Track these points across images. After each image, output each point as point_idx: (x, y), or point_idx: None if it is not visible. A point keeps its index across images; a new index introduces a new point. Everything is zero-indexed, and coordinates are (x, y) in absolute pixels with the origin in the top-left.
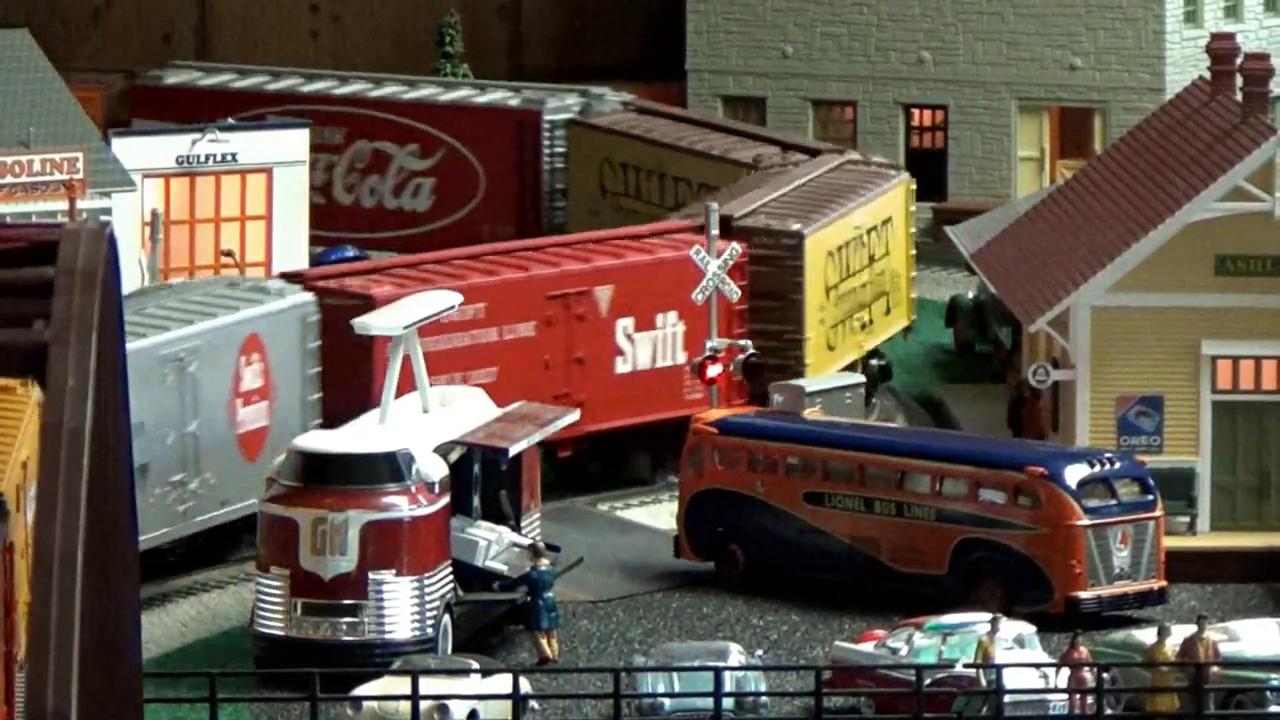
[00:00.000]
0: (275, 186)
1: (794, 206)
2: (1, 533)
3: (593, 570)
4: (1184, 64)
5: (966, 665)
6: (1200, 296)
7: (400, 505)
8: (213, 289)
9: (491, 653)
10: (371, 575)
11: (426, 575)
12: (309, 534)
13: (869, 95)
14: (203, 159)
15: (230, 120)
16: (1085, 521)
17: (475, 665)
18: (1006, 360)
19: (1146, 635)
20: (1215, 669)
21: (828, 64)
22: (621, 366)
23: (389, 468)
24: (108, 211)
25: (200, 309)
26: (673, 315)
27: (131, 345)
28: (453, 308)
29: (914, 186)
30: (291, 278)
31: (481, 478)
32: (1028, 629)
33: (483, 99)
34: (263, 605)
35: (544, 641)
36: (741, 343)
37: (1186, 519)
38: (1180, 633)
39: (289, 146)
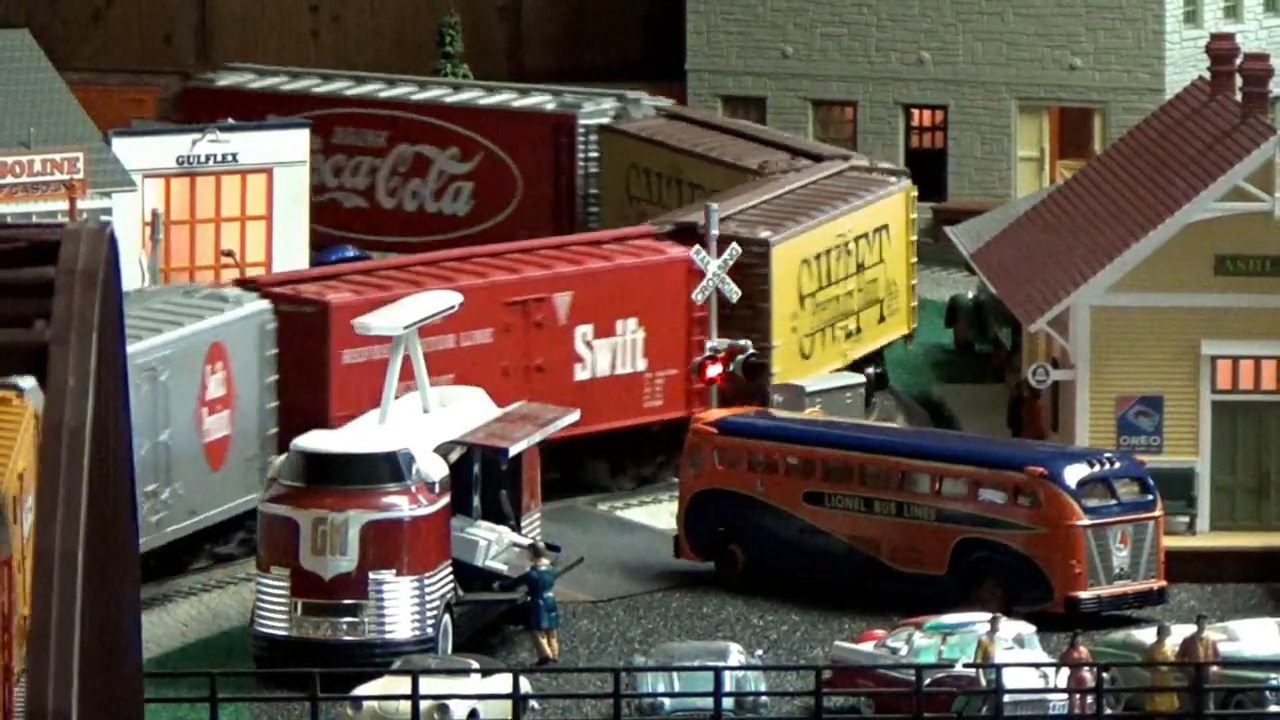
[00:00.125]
0: (275, 187)
1: (772, 214)
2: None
3: (593, 570)
4: (1183, 64)
5: (966, 665)
6: (1200, 296)
7: (400, 505)
8: (171, 297)
9: (491, 652)
10: (372, 575)
11: (427, 575)
12: (309, 534)
13: (869, 95)
14: (203, 159)
15: (230, 120)
16: (1085, 521)
17: (475, 665)
18: (1006, 360)
19: (1146, 635)
20: (1215, 669)
21: (828, 64)
22: (580, 373)
23: (389, 468)
24: (108, 211)
25: (167, 318)
26: (632, 322)
27: None
28: (453, 307)
29: (915, 194)
30: (247, 285)
31: (481, 478)
32: (1027, 629)
33: (521, 103)
34: (263, 605)
35: (544, 641)
36: (741, 343)
37: (1186, 519)
38: (1180, 632)
39: (289, 147)
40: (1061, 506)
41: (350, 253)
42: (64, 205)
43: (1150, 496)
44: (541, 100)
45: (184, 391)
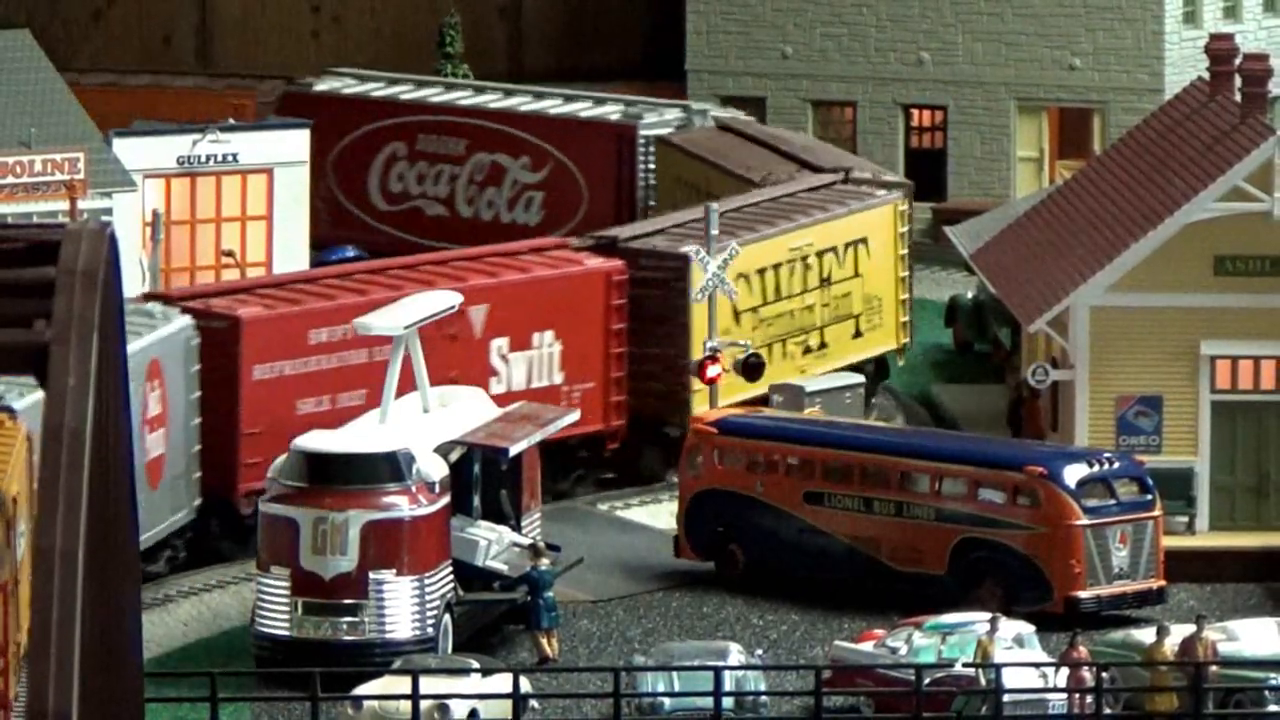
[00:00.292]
0: (276, 187)
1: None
2: None
3: (593, 570)
4: (1183, 64)
5: (966, 665)
6: (1199, 296)
7: (401, 505)
8: None
9: (492, 652)
10: (372, 575)
11: (427, 575)
12: (310, 534)
13: (869, 96)
14: (203, 159)
15: (230, 120)
16: (1084, 521)
17: (475, 665)
18: (1006, 360)
19: (1145, 635)
20: (1214, 668)
21: (827, 65)
22: (496, 387)
23: (389, 467)
24: (109, 212)
25: None
26: (549, 335)
27: None
28: (452, 307)
29: (904, 208)
30: (164, 299)
31: (482, 477)
32: (1027, 628)
33: (589, 112)
34: (263, 605)
35: (544, 641)
36: (741, 342)
37: (1185, 519)
38: (1179, 632)
39: (290, 147)
40: (1061, 506)
41: (350, 253)
42: (65, 205)
43: (1150, 496)
44: (609, 110)
45: (132, 410)
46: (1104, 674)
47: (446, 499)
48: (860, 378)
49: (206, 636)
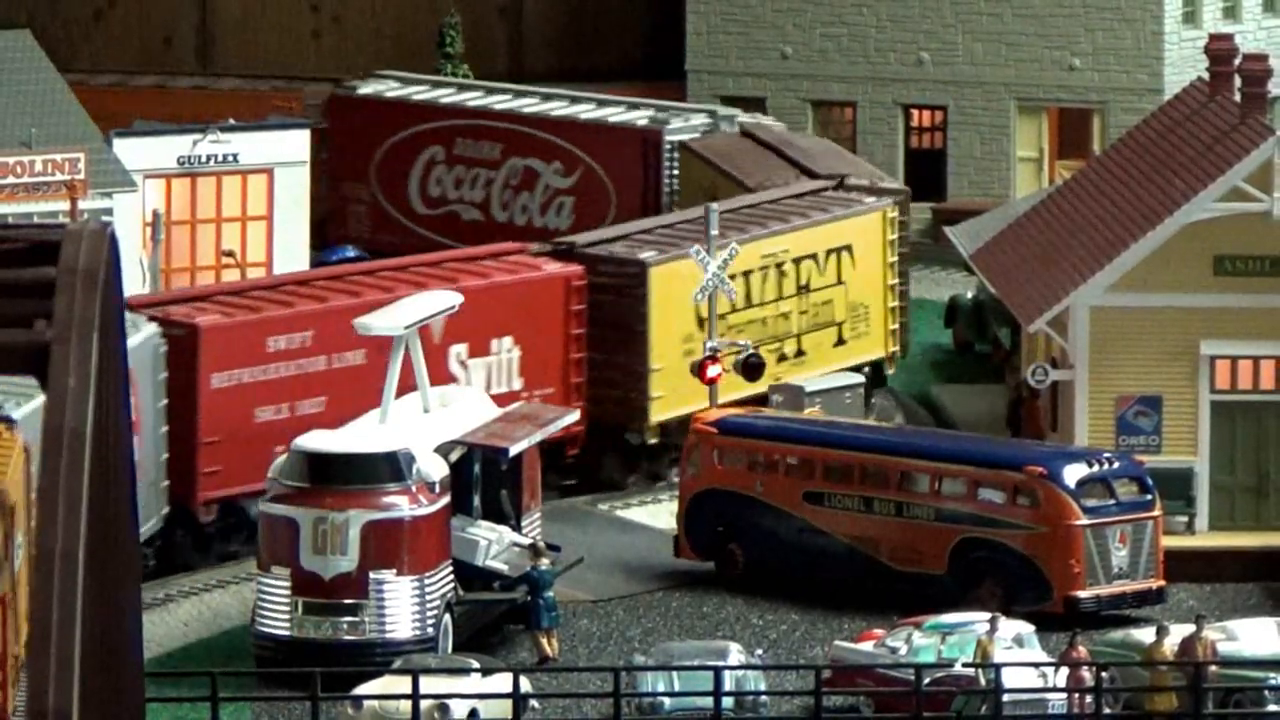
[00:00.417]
0: (276, 187)
1: (678, 235)
2: None
3: (593, 570)
4: (1182, 65)
5: (965, 664)
6: (1199, 297)
7: (401, 505)
8: None
9: (492, 652)
10: (372, 575)
11: (427, 575)
12: (310, 533)
13: (868, 96)
14: (204, 159)
15: (231, 120)
16: (1084, 521)
17: (475, 664)
18: (1005, 360)
19: (1145, 634)
20: (1213, 668)
21: (827, 65)
22: None
23: (390, 467)
24: (109, 212)
25: None
26: (508, 340)
27: None
28: (453, 307)
29: (894, 215)
30: (129, 307)
31: (482, 477)
32: (1027, 628)
33: (618, 117)
34: (264, 605)
35: (544, 641)
36: (741, 342)
37: (1185, 518)
38: (1179, 632)
39: (290, 147)
40: (1061, 506)
41: (351, 253)
42: (65, 205)
43: (1149, 496)
44: (639, 115)
45: None
46: (1104, 674)
47: (447, 499)
48: (860, 378)
49: (207, 636)
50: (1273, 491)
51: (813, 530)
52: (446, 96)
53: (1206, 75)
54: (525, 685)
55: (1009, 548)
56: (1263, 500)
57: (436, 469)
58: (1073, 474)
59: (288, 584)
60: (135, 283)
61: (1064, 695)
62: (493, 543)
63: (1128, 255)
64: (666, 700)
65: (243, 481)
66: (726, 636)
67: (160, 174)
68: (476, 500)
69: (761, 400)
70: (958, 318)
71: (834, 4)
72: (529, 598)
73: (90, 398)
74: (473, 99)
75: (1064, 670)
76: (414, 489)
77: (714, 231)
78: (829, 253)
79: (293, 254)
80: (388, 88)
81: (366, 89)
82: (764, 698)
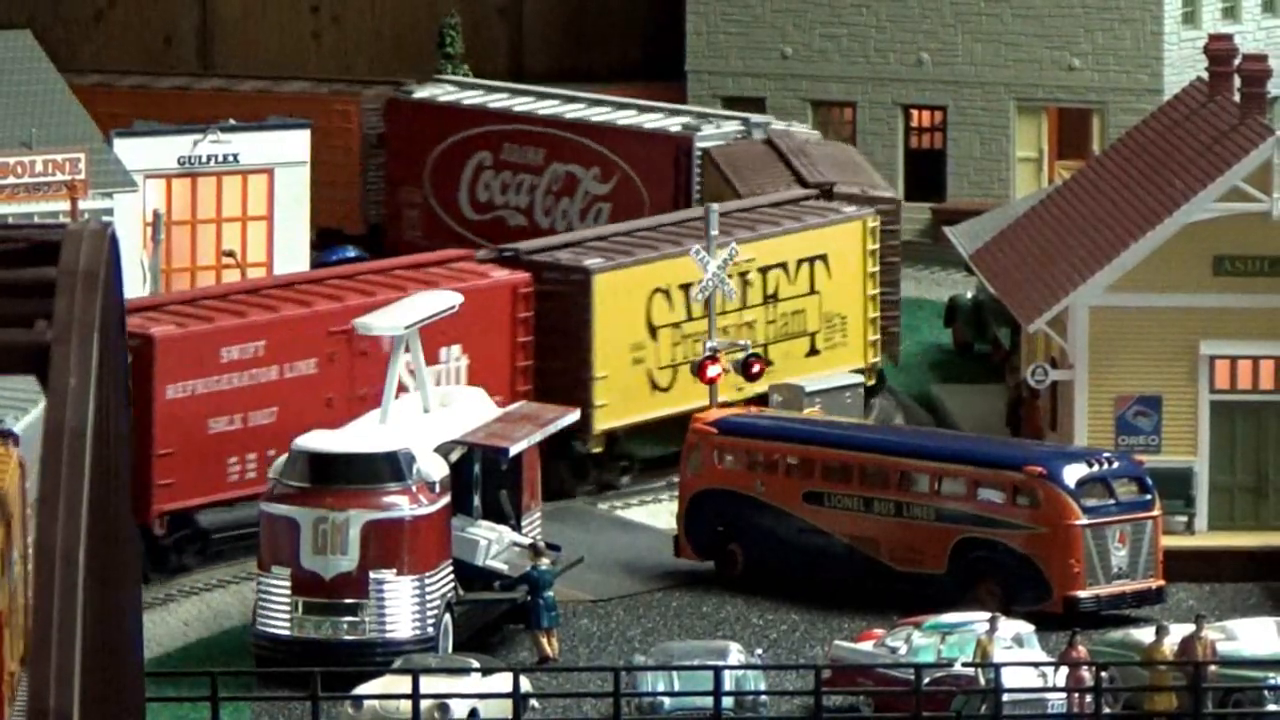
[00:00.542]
0: (277, 187)
1: (633, 243)
2: None
3: (593, 570)
4: (1182, 65)
5: (965, 664)
6: (1198, 297)
7: (401, 505)
8: None
9: (492, 652)
10: (372, 574)
11: (427, 574)
12: (310, 533)
13: (868, 96)
14: (204, 159)
15: (231, 120)
16: (1083, 521)
17: (475, 664)
18: (1005, 360)
19: (1145, 634)
20: (1213, 668)
21: (827, 65)
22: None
23: (390, 467)
24: (109, 212)
25: None
26: (456, 349)
27: None
28: (453, 307)
29: (874, 224)
30: None
31: (482, 477)
32: (1026, 628)
33: (653, 123)
34: (264, 604)
35: (544, 640)
36: (741, 342)
37: (1184, 518)
38: (1178, 632)
39: (290, 147)
40: (1060, 506)
41: (351, 253)
42: (65, 206)
43: (1149, 496)
44: (673, 121)
45: None
46: (1103, 674)
47: (447, 499)
48: (860, 378)
49: (207, 636)
50: (1272, 491)
51: (813, 530)
52: (496, 101)
53: (1206, 75)
54: (525, 685)
55: (1009, 548)
56: (1262, 500)
57: (437, 469)
58: (1072, 474)
59: (288, 584)
60: (136, 283)
61: (1064, 695)
62: (493, 543)
63: (1127, 255)
64: (666, 700)
65: (196, 494)
66: (726, 636)
67: (161, 174)
68: (476, 500)
69: (763, 400)
70: (957, 318)
71: (834, 4)
72: (529, 598)
73: (91, 398)
74: (521, 104)
75: (1064, 670)
76: (414, 489)
77: (714, 232)
78: (800, 262)
79: (293, 254)
80: (443, 91)
81: (422, 93)
82: (764, 698)
